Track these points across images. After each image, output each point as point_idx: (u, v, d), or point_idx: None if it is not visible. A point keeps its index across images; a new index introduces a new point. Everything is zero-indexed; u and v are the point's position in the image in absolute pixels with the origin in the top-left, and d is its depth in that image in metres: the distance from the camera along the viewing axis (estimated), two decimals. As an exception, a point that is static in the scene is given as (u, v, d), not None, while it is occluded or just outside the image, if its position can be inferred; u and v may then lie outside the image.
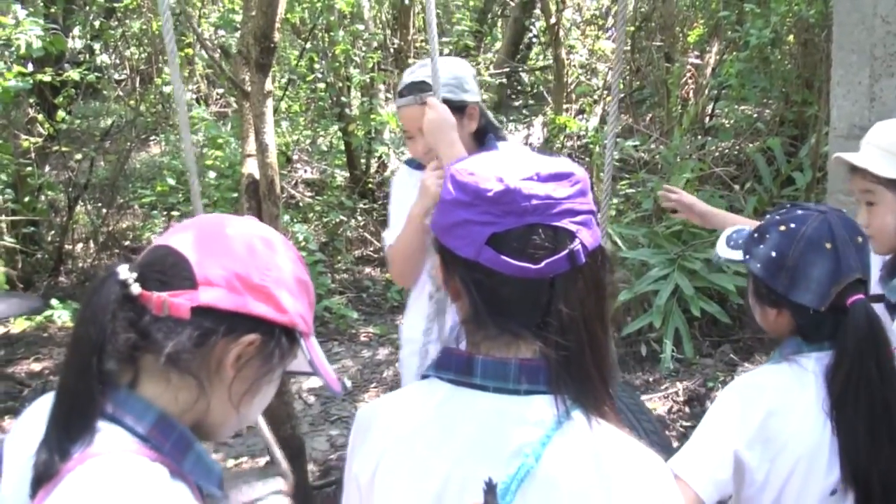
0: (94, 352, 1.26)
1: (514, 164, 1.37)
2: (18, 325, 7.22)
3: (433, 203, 2.75)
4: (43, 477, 1.21)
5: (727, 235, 2.22)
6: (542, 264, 1.32)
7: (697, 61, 8.51)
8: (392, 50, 9.37)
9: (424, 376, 1.45)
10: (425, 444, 1.39)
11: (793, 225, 1.99)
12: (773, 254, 1.99)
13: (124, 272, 1.31)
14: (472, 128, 2.92)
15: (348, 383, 1.53)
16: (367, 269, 8.61)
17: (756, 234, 2.07)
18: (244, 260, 1.34)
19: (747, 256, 2.07)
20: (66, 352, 1.30)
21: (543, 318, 1.35)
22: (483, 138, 2.96)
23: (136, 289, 1.30)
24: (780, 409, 1.94)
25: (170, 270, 1.32)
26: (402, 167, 3.20)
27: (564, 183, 1.36)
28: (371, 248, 8.89)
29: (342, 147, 9.74)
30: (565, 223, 1.35)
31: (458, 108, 2.82)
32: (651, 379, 5.85)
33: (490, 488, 1.28)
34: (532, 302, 1.36)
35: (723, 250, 2.20)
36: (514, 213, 1.33)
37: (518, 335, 1.37)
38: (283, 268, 1.38)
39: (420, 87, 2.84)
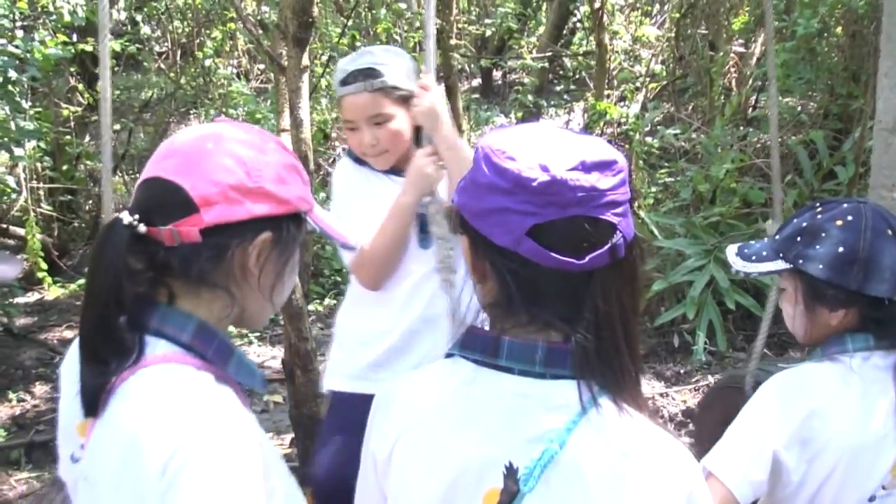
0: (112, 294, 1.32)
1: (557, 150, 1.31)
2: (53, 293, 7.30)
3: (430, 190, 2.68)
4: (96, 395, 1.32)
5: (736, 251, 2.12)
6: (586, 259, 1.28)
7: (742, 50, 8.37)
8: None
9: (448, 355, 1.41)
10: (446, 423, 1.35)
11: (850, 217, 1.91)
12: (841, 249, 1.89)
13: (127, 217, 1.35)
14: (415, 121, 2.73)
15: (357, 243, 1.60)
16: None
17: (803, 237, 1.96)
18: (232, 170, 1.38)
19: (799, 262, 1.95)
20: (84, 298, 1.37)
21: (578, 310, 1.31)
22: (419, 133, 2.77)
23: (142, 228, 1.35)
24: (822, 409, 1.87)
25: (168, 202, 1.36)
26: (345, 160, 2.91)
27: (608, 172, 1.30)
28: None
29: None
30: (608, 215, 1.29)
31: (405, 98, 2.68)
32: (682, 371, 5.79)
33: (510, 472, 1.26)
34: (569, 295, 1.31)
35: (744, 265, 2.06)
36: (556, 204, 1.27)
37: (550, 325, 1.33)
38: (270, 161, 1.42)
39: (368, 74, 2.64)
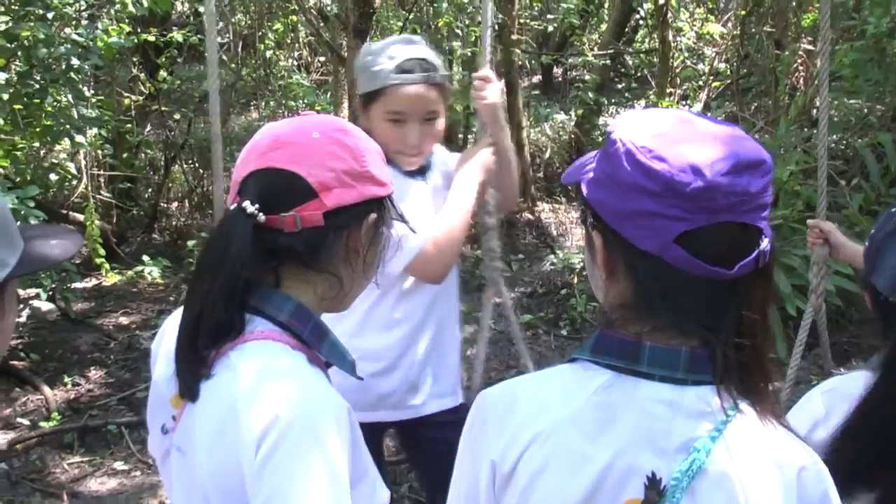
0: (236, 282, 1.41)
1: (708, 149, 1.23)
2: (110, 279, 7.38)
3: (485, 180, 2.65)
4: (198, 375, 1.40)
5: None
6: (735, 268, 1.22)
7: (810, 48, 8.18)
8: (495, 25, 9.25)
9: (572, 360, 1.34)
10: (582, 432, 1.27)
11: None
12: None
13: (250, 206, 1.42)
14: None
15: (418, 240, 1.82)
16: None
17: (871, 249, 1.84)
18: (342, 156, 1.47)
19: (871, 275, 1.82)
20: (194, 283, 1.46)
21: (720, 317, 1.26)
22: None
23: (261, 217, 1.42)
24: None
25: (287, 189, 1.44)
26: None
27: (758, 173, 1.23)
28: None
29: (440, 120, 9.63)
30: (756, 220, 1.24)
31: (445, 94, 2.61)
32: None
33: (652, 483, 1.21)
34: (712, 302, 1.26)
35: None
36: (708, 210, 1.21)
37: (689, 332, 1.26)
38: (367, 147, 1.53)
39: (427, 65, 2.54)
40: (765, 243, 1.25)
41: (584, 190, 1.34)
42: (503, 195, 2.86)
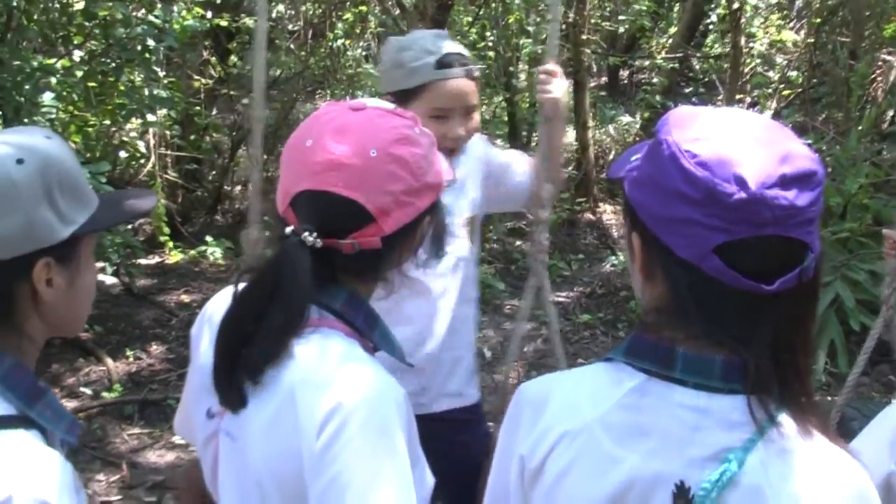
0: (295, 311, 1.41)
1: (756, 157, 1.18)
2: (173, 257, 7.49)
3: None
4: (263, 366, 1.40)
5: None
6: (775, 285, 1.18)
7: (890, 58, 8.03)
8: (565, 24, 9.22)
9: (607, 359, 1.32)
10: (612, 435, 1.25)
11: None
12: None
13: (308, 238, 1.41)
14: None
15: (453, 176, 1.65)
16: (518, 242, 8.51)
17: None
18: (401, 176, 1.44)
19: None
20: (245, 296, 1.46)
21: (756, 331, 1.21)
22: None
23: (318, 244, 1.41)
24: None
25: (346, 216, 1.42)
26: None
27: (808, 186, 1.18)
28: (524, 222, 8.79)
29: (505, 117, 9.66)
30: (802, 234, 1.19)
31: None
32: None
33: (681, 491, 1.18)
34: (748, 316, 1.22)
35: None
36: (750, 222, 1.16)
37: (722, 343, 1.23)
38: (426, 153, 1.49)
39: (465, 59, 2.51)
40: (809, 259, 1.19)
41: (626, 188, 1.32)
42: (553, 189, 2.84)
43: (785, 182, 1.17)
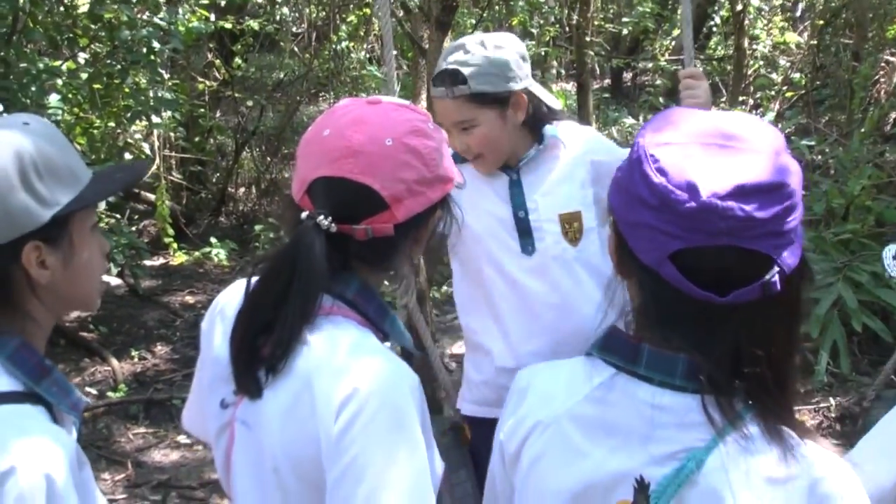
0: (309, 294, 1.43)
1: (715, 164, 1.17)
2: (177, 259, 7.52)
3: None
4: (285, 353, 1.42)
5: (894, 254, 1.99)
6: (729, 297, 1.17)
7: (894, 60, 8.03)
8: (569, 26, 9.24)
9: (587, 354, 1.34)
10: (579, 428, 1.28)
11: None
12: None
13: (324, 222, 1.44)
14: (519, 119, 2.49)
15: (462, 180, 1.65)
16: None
17: None
18: (414, 165, 1.48)
19: None
20: (263, 280, 1.48)
21: (714, 342, 1.21)
22: (536, 128, 2.55)
23: (333, 228, 1.44)
24: None
25: (359, 201, 1.46)
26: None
27: (772, 198, 1.15)
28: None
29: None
30: (765, 247, 1.16)
31: (498, 99, 2.45)
32: (802, 390, 5.59)
33: (641, 487, 1.20)
34: (705, 325, 1.21)
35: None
36: (704, 231, 1.15)
37: (682, 349, 1.23)
38: (439, 147, 1.53)
39: (453, 77, 2.42)
40: (773, 273, 1.17)
41: (609, 189, 1.32)
42: None
43: (743, 193, 1.14)
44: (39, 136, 1.45)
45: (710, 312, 1.19)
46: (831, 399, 5.37)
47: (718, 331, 1.21)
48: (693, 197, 1.15)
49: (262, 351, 1.44)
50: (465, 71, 2.41)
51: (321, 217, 1.44)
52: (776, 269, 1.17)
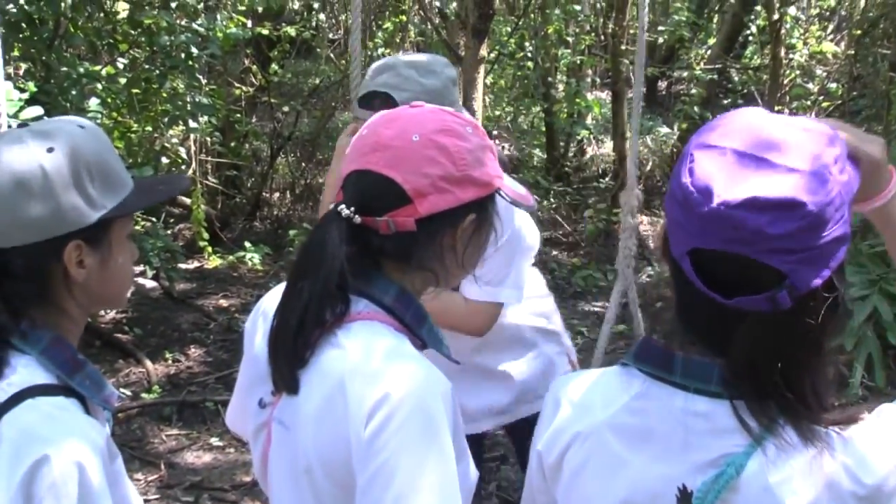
0: (333, 280, 1.43)
1: (740, 173, 1.18)
2: (212, 262, 7.59)
3: None
4: (297, 363, 1.44)
5: None
6: (732, 300, 1.19)
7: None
8: (604, 35, 9.23)
9: (622, 364, 1.37)
10: (619, 438, 1.31)
11: None
12: None
13: (345, 210, 1.45)
14: None
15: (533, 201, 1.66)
16: (555, 252, 8.52)
17: None
18: (440, 162, 1.46)
19: None
20: (292, 274, 1.50)
21: (726, 345, 1.23)
22: None
23: (357, 219, 1.45)
24: None
25: (383, 194, 1.45)
26: None
27: (787, 217, 1.14)
28: (560, 231, 8.81)
29: (543, 127, 9.70)
30: (777, 262, 1.16)
31: None
32: (836, 403, 5.54)
33: (684, 496, 1.21)
34: (719, 327, 1.23)
35: None
36: (718, 236, 1.17)
37: (694, 344, 1.27)
38: (471, 147, 1.50)
39: (383, 99, 2.35)
40: (781, 289, 1.16)
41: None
42: None
43: (755, 206, 1.15)
44: (93, 140, 1.52)
45: (722, 316, 1.22)
46: (866, 413, 5.32)
47: (730, 333, 1.22)
48: (706, 201, 1.17)
49: (296, 345, 1.46)
50: (398, 96, 2.36)
51: (343, 206, 1.46)
52: (787, 283, 1.17)
